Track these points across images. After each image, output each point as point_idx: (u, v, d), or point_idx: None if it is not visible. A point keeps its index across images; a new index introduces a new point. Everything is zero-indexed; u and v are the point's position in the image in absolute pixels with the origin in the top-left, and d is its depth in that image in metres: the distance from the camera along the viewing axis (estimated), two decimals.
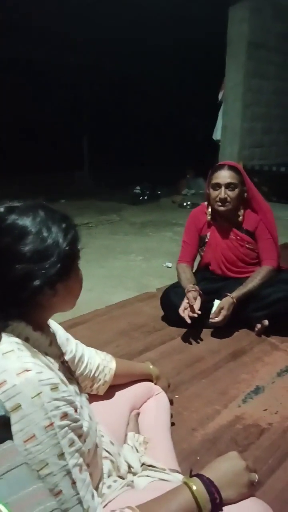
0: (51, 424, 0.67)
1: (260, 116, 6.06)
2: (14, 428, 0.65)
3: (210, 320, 2.05)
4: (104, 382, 1.21)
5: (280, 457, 1.36)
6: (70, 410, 0.72)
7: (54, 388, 0.70)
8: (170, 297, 2.27)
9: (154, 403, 1.31)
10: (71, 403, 0.73)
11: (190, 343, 2.12)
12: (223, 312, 2.02)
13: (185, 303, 2.04)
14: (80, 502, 0.69)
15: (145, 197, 6.62)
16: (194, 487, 0.78)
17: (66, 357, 1.10)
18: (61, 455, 0.68)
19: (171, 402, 1.43)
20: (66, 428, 0.70)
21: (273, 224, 2.22)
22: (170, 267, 3.27)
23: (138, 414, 1.27)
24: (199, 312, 1.99)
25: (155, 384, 1.37)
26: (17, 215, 0.76)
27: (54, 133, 9.21)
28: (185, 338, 2.16)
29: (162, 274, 3.19)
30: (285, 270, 2.27)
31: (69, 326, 2.18)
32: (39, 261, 0.74)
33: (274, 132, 6.46)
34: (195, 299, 2.01)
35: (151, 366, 1.39)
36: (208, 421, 1.54)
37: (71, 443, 0.70)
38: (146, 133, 10.59)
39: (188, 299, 2.03)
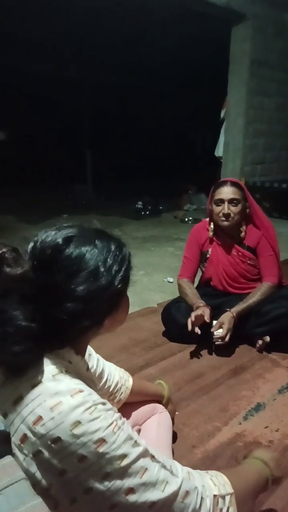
0: (115, 424, 0.70)
1: (262, 132, 6.13)
2: (78, 442, 0.66)
3: (214, 337, 2.02)
4: (119, 401, 1.21)
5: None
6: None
7: (104, 403, 0.72)
8: (172, 312, 2.27)
9: (157, 421, 1.31)
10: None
11: (191, 359, 2.12)
12: (225, 326, 2.01)
13: (193, 316, 2.01)
14: (163, 467, 0.73)
15: (147, 212, 6.66)
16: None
17: None
18: (135, 443, 0.71)
19: (173, 422, 1.43)
20: (126, 423, 0.73)
21: (275, 240, 2.24)
22: (172, 282, 3.28)
23: (139, 430, 1.27)
24: (208, 321, 1.99)
25: (164, 405, 1.37)
26: (74, 246, 0.73)
27: (57, 147, 9.33)
28: (186, 354, 2.16)
29: (163, 289, 3.19)
30: (286, 287, 2.27)
31: None
32: (91, 301, 0.72)
33: (276, 149, 6.53)
34: (203, 313, 2.01)
35: (165, 387, 1.40)
36: (208, 438, 1.53)
37: (134, 433, 0.74)
38: (149, 148, 10.72)
39: (198, 313, 2.01)
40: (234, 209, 2.10)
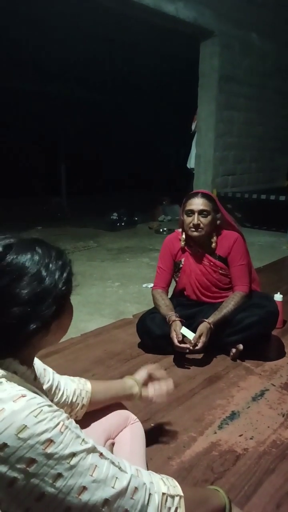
0: (62, 424, 0.70)
1: (232, 145, 6.29)
2: (25, 446, 0.65)
3: (191, 347, 2.03)
4: (82, 406, 1.20)
5: (255, 483, 1.36)
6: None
7: (50, 405, 0.72)
8: (146, 323, 2.28)
9: (129, 433, 1.30)
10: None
11: (166, 370, 2.12)
12: (202, 339, 2.03)
13: (177, 335, 2.04)
14: (112, 463, 0.74)
15: (122, 223, 6.68)
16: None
17: (44, 387, 1.09)
18: (83, 441, 0.71)
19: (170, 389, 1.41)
20: (73, 422, 0.73)
21: (245, 249, 2.29)
22: (151, 287, 3.28)
23: (113, 444, 1.26)
24: (193, 343, 2.03)
25: (139, 396, 1.34)
26: (15, 253, 0.75)
27: (31, 160, 9.28)
28: (161, 365, 2.16)
29: (139, 300, 3.20)
30: (256, 293, 2.32)
31: (43, 356, 2.14)
32: (37, 304, 0.74)
33: (246, 161, 6.70)
34: (175, 329, 2.05)
35: (130, 379, 1.36)
36: (184, 449, 1.53)
37: (81, 432, 0.74)
38: (124, 161, 10.80)
39: (175, 332, 2.05)
40: (204, 220, 2.15)
